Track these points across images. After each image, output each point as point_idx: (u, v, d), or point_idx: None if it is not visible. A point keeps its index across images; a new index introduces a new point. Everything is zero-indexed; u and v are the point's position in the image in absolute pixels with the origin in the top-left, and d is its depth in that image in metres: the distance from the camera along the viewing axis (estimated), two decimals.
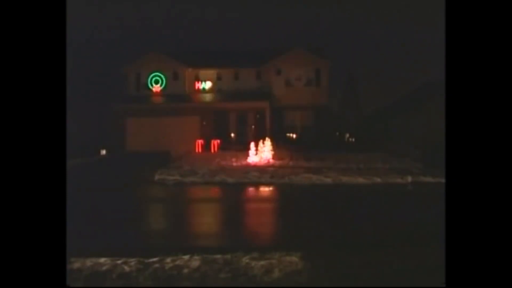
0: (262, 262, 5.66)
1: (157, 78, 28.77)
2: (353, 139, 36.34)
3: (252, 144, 19.95)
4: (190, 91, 28.80)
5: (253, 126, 27.80)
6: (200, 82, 28.94)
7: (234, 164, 18.85)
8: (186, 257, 5.86)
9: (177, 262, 5.69)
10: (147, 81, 28.76)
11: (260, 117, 27.70)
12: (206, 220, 9.75)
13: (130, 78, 29.19)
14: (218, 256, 5.91)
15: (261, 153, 19.85)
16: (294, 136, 27.72)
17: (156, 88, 28.65)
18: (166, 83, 28.76)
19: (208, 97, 28.42)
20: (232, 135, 27.51)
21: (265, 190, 13.83)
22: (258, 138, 21.72)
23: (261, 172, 16.09)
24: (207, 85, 28.90)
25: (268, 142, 20.26)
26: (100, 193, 12.78)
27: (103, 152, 25.01)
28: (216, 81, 29.10)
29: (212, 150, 24.79)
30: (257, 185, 14.32)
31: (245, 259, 5.78)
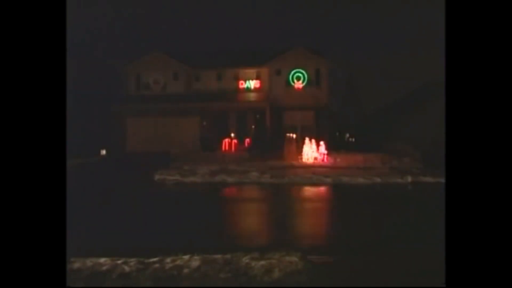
0: (262, 262, 5.65)
1: (158, 78, 28.77)
2: (353, 139, 36.36)
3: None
4: (190, 91, 28.80)
5: (253, 126, 27.80)
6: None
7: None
8: (186, 257, 5.86)
9: (177, 262, 5.69)
10: (148, 81, 28.76)
11: (260, 117, 27.70)
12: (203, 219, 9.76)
13: (130, 78, 29.20)
14: (218, 256, 5.91)
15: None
16: (294, 136, 27.71)
17: (157, 88, 28.64)
18: (166, 83, 28.76)
19: (208, 97, 28.42)
20: (232, 135, 27.51)
21: (265, 190, 13.83)
22: (258, 138, 21.77)
23: (261, 172, 16.09)
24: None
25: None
26: (99, 194, 12.79)
27: (103, 152, 25.01)
28: (216, 81, 29.10)
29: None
30: (256, 185, 14.33)
31: (245, 259, 5.78)
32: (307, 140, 20.57)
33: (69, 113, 5.56)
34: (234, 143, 25.23)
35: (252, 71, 29.03)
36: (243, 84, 28.88)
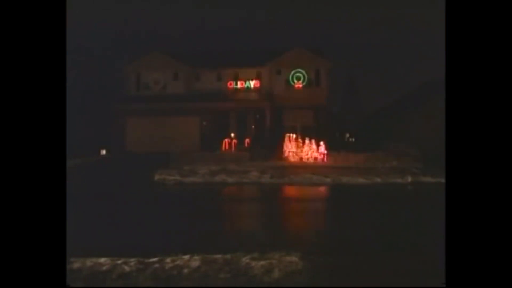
0: (262, 262, 5.65)
1: (158, 78, 28.79)
2: (353, 139, 36.35)
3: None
4: (190, 91, 28.81)
5: (253, 126, 27.80)
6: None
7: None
8: (186, 257, 5.85)
9: (177, 262, 5.68)
10: (148, 81, 28.77)
11: (260, 117, 27.70)
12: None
13: (130, 78, 29.19)
14: (218, 256, 5.91)
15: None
16: (294, 136, 27.71)
17: (156, 88, 28.65)
18: (166, 83, 28.77)
19: (208, 97, 28.43)
20: (232, 135, 27.51)
21: (265, 190, 13.82)
22: (258, 138, 21.76)
23: (261, 172, 16.09)
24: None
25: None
26: (99, 194, 12.78)
27: (103, 152, 25.01)
28: (216, 81, 29.11)
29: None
30: (257, 185, 14.33)
31: (245, 259, 5.78)
32: (307, 140, 20.60)
33: (69, 113, 5.56)
34: (234, 143, 25.20)
35: (252, 71, 29.03)
36: (243, 84, 28.88)
